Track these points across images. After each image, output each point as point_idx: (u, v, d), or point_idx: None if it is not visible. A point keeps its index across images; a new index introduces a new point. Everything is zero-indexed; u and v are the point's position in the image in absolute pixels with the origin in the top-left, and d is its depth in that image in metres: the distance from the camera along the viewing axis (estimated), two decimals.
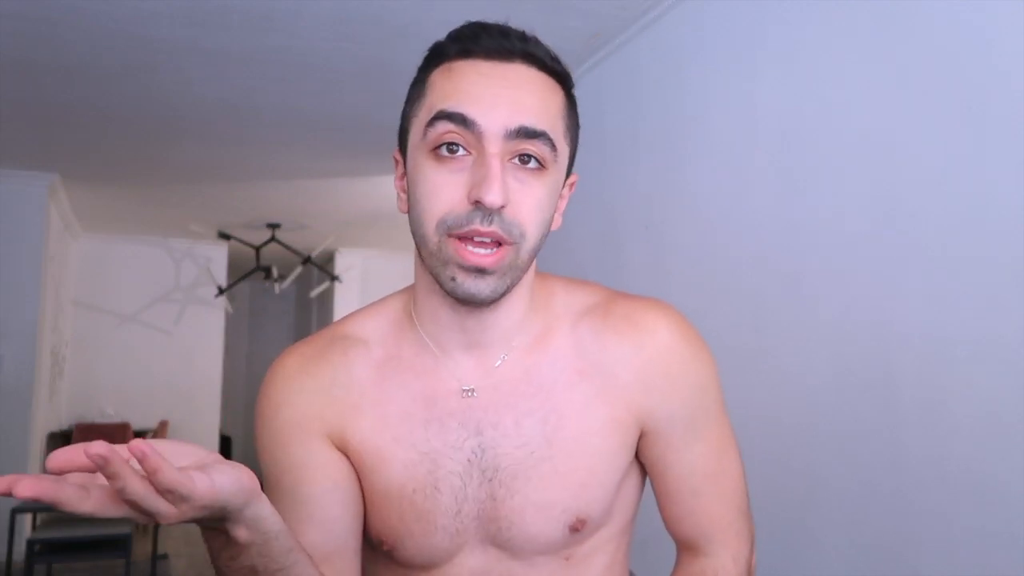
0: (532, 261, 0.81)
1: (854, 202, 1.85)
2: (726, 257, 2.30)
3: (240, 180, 5.25)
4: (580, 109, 0.90)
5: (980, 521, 1.51)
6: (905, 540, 1.66)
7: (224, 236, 6.66)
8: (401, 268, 7.45)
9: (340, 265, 7.64)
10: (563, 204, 0.87)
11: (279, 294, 8.32)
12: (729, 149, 2.32)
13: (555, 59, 0.82)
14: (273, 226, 6.49)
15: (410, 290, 0.90)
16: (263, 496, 0.68)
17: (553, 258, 3.18)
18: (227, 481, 0.63)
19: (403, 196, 0.84)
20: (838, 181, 1.90)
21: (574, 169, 0.87)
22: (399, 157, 0.85)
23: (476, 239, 0.75)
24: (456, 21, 0.84)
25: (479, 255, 0.75)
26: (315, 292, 7.67)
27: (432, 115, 0.77)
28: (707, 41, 2.44)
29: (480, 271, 0.75)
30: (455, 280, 0.76)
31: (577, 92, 0.87)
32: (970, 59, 1.59)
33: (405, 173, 0.83)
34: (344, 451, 0.86)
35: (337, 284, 7.50)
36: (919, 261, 1.67)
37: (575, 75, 3.06)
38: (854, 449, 1.80)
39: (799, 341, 1.99)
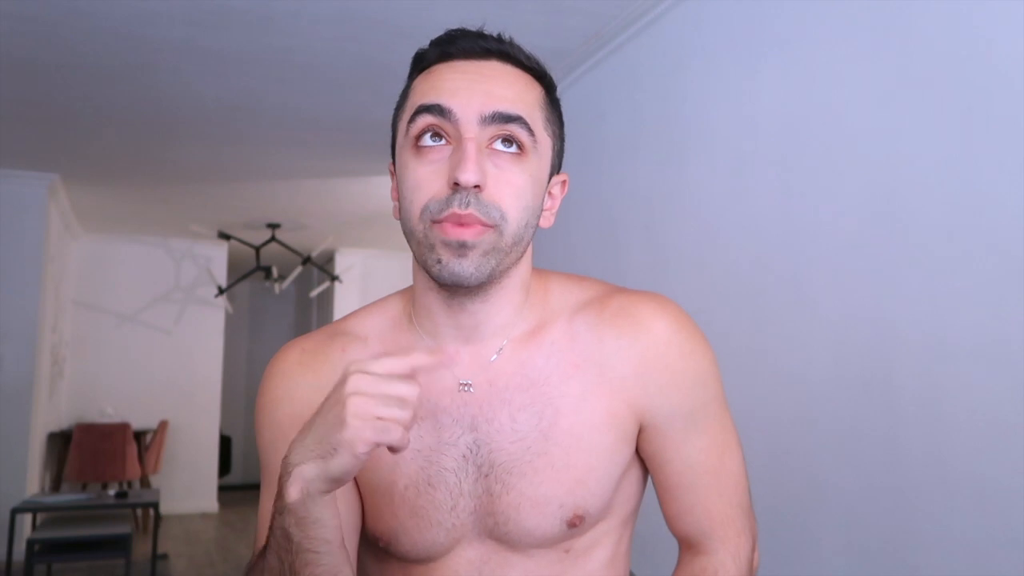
0: (518, 249, 0.81)
1: (854, 202, 1.85)
2: (726, 257, 2.30)
3: (240, 180, 5.25)
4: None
5: (979, 521, 1.51)
6: (904, 539, 1.66)
7: (224, 236, 6.66)
8: (401, 268, 7.45)
9: (340, 265, 7.63)
10: (556, 204, 0.88)
11: (279, 294, 8.32)
12: (729, 149, 2.32)
13: (532, 59, 0.85)
14: (273, 226, 6.49)
15: (409, 291, 0.91)
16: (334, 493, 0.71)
17: (553, 258, 3.18)
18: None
19: (395, 204, 0.86)
20: (838, 181, 1.90)
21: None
22: (393, 169, 0.87)
23: (458, 223, 0.77)
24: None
25: (459, 229, 0.77)
26: (315, 292, 7.68)
27: (413, 111, 0.81)
28: (707, 41, 2.44)
29: (462, 245, 0.77)
30: (440, 262, 0.78)
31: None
32: (970, 59, 1.59)
33: (397, 182, 0.85)
34: None
35: (337, 284, 7.50)
36: (919, 261, 1.67)
37: (575, 75, 3.06)
38: (854, 448, 1.80)
39: (799, 341, 1.99)
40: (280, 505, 0.71)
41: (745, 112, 2.26)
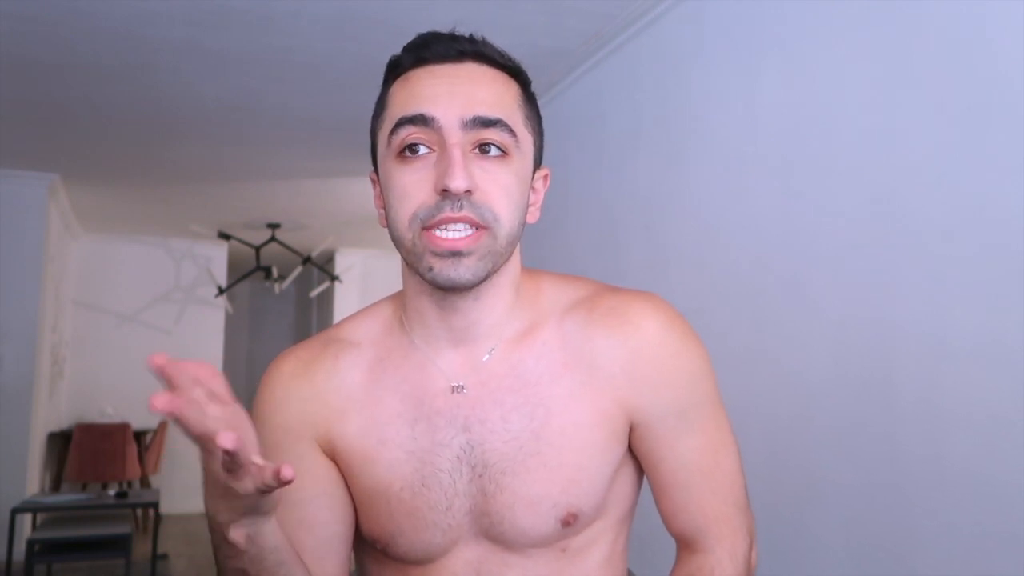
0: (511, 249, 0.82)
1: (854, 202, 1.85)
2: (726, 257, 2.30)
3: (240, 180, 5.25)
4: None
5: (979, 520, 1.51)
6: (903, 538, 1.66)
7: (224, 236, 6.66)
8: (401, 268, 7.44)
9: (340, 265, 7.64)
10: (539, 198, 0.89)
11: (279, 294, 8.32)
12: (729, 149, 2.32)
13: (506, 56, 0.85)
14: (273, 226, 6.49)
15: (400, 295, 0.92)
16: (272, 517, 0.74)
17: (553, 258, 3.18)
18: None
19: (381, 212, 0.86)
20: (838, 181, 1.91)
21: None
22: (375, 177, 0.88)
23: (450, 228, 0.77)
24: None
25: (452, 239, 0.77)
26: (315, 292, 7.68)
27: (394, 123, 0.80)
28: (707, 41, 2.45)
29: (455, 254, 0.77)
30: (432, 269, 0.78)
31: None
32: (971, 59, 1.60)
33: (382, 191, 0.85)
34: (332, 454, 0.88)
35: (337, 284, 7.50)
36: (919, 261, 1.67)
37: (575, 75, 3.06)
38: (853, 448, 1.80)
39: (799, 341, 2.00)
40: (229, 552, 0.75)
41: (745, 112, 2.26)
